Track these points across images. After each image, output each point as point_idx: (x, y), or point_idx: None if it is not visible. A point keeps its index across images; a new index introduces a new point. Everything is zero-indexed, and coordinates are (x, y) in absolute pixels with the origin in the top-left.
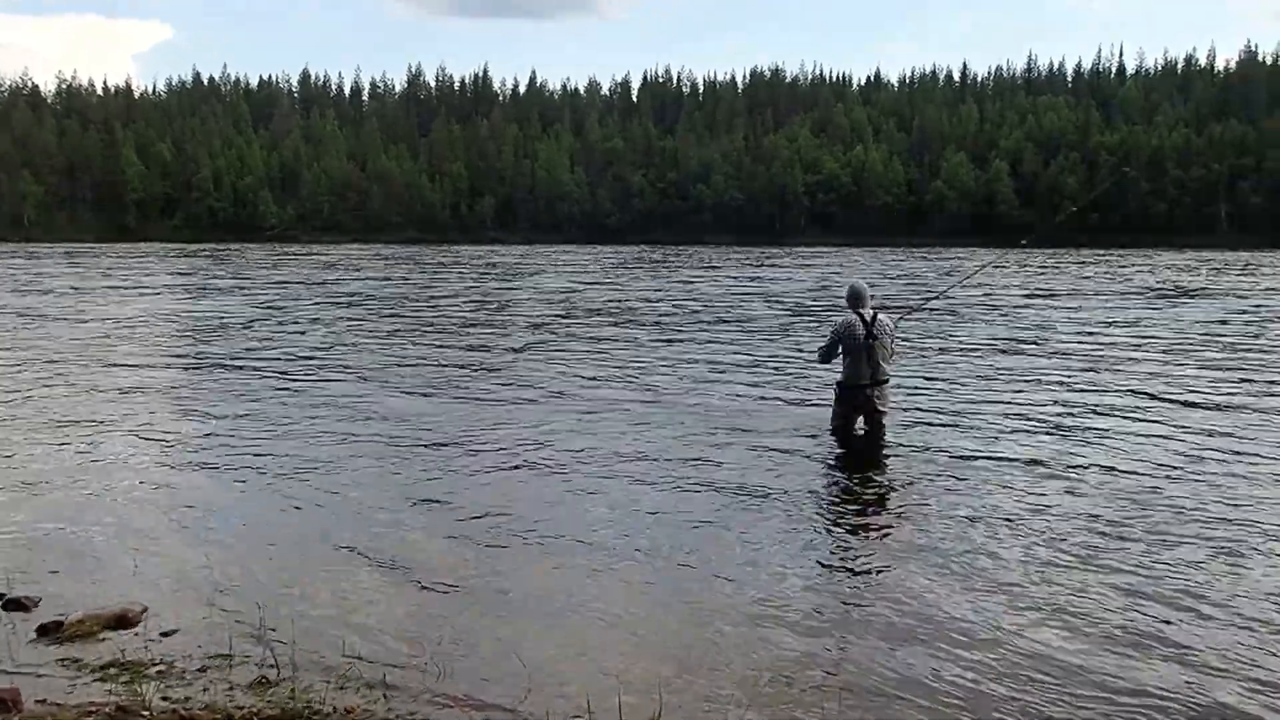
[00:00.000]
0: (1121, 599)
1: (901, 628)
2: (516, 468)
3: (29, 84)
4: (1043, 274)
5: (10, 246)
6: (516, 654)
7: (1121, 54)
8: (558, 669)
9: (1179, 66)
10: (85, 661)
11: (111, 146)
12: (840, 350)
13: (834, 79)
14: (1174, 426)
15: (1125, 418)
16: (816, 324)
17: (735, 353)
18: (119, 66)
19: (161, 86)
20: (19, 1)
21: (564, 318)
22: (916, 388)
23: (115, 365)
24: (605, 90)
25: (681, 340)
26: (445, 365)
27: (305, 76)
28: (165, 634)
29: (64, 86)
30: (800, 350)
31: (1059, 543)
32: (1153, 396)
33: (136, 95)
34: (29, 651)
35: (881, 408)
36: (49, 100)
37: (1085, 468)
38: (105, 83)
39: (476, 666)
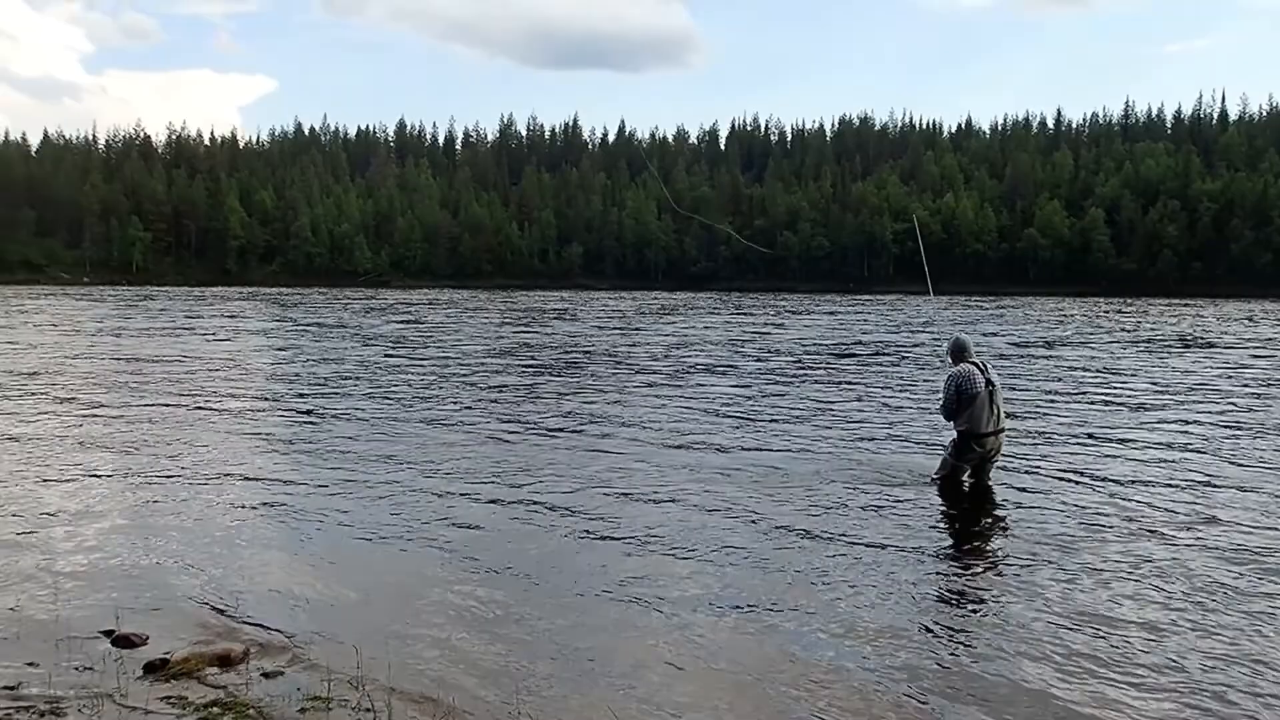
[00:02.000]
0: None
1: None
2: (602, 516)
3: (141, 135)
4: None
5: (118, 290)
6: (609, 706)
7: (1224, 100)
8: None
9: None
10: (190, 700)
11: (216, 194)
12: (960, 402)
13: (924, 126)
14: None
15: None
16: (891, 368)
17: (821, 398)
18: (226, 117)
19: (265, 136)
20: (136, 59)
21: (642, 359)
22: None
23: (199, 400)
24: (693, 139)
25: (757, 384)
26: (529, 403)
27: (401, 126)
28: (266, 675)
29: (174, 137)
30: (862, 397)
31: (1183, 607)
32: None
33: (241, 145)
34: (137, 688)
35: (997, 455)
36: (159, 150)
37: (1195, 517)
38: (212, 133)
39: (568, 718)
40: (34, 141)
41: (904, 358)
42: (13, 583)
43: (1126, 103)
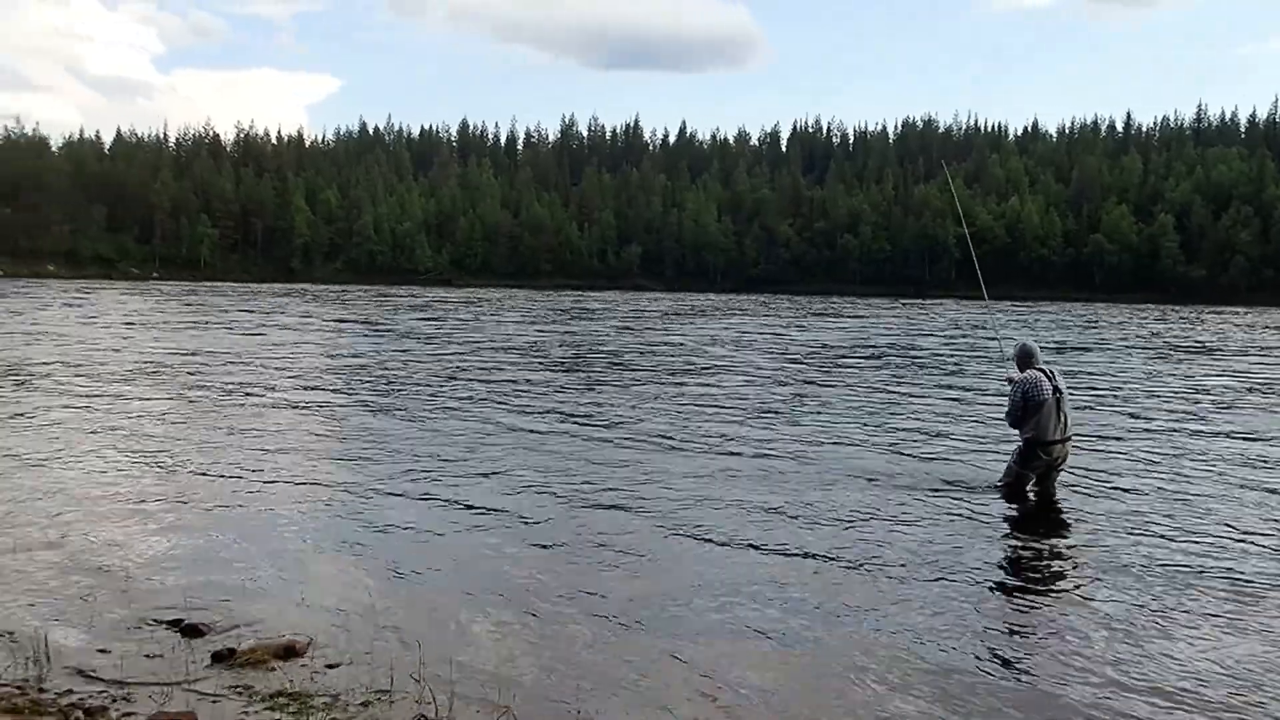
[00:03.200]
0: None
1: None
2: (657, 518)
3: (211, 134)
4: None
5: (187, 285)
6: (668, 707)
7: None
8: None
9: None
10: (256, 689)
11: (283, 193)
12: (1026, 409)
13: (989, 129)
14: None
15: None
16: (950, 375)
17: (878, 403)
18: (291, 116)
19: (330, 136)
20: (205, 58)
21: (700, 363)
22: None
23: (264, 395)
24: (754, 140)
25: (808, 386)
26: (590, 409)
27: (464, 126)
28: (330, 666)
29: (242, 136)
30: (914, 401)
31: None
32: None
33: (307, 144)
34: (204, 676)
35: (1063, 465)
36: (228, 149)
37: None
38: (279, 132)
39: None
40: (107, 139)
41: (965, 363)
42: (85, 570)
43: (1199, 106)
